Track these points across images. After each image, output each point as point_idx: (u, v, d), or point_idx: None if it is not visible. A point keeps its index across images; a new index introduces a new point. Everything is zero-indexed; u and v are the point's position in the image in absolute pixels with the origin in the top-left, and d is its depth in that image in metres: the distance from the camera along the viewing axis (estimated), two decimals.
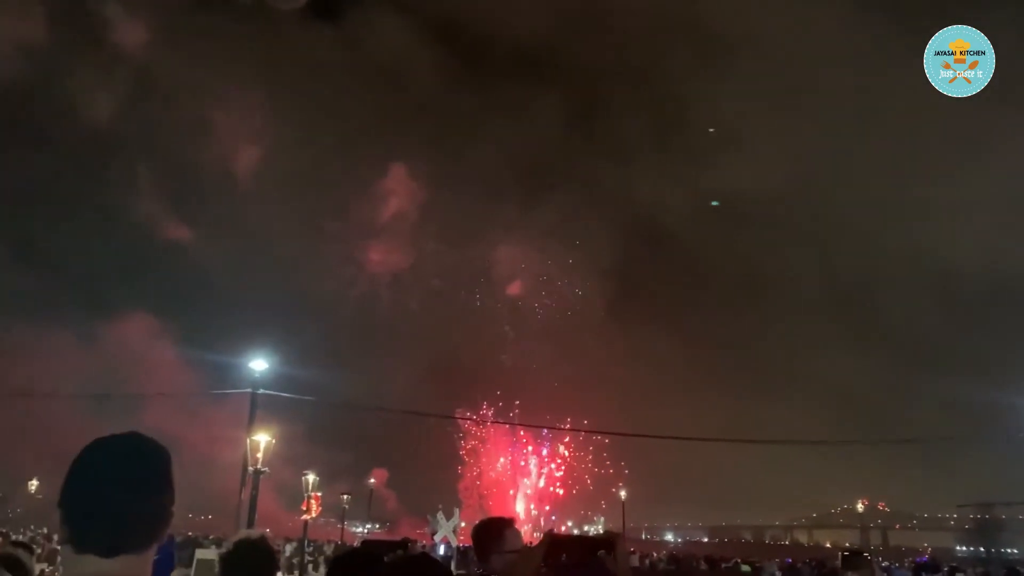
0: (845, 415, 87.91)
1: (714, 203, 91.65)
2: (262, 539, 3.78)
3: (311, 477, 24.22)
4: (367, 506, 63.97)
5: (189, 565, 19.11)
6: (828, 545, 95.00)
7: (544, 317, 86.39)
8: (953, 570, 27.99)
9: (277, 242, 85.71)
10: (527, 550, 2.65)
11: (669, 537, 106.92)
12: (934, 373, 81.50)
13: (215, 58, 79.90)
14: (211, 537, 36.10)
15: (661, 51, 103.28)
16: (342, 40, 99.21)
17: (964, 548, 77.73)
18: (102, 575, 1.77)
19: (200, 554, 20.21)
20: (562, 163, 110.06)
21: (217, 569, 3.73)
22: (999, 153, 76.17)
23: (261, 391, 24.60)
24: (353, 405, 63.00)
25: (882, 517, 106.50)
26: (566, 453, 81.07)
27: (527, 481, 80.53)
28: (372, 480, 65.18)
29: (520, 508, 78.99)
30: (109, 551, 1.78)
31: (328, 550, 39.11)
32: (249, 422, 23.55)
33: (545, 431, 78.72)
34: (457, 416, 75.44)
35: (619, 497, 61.60)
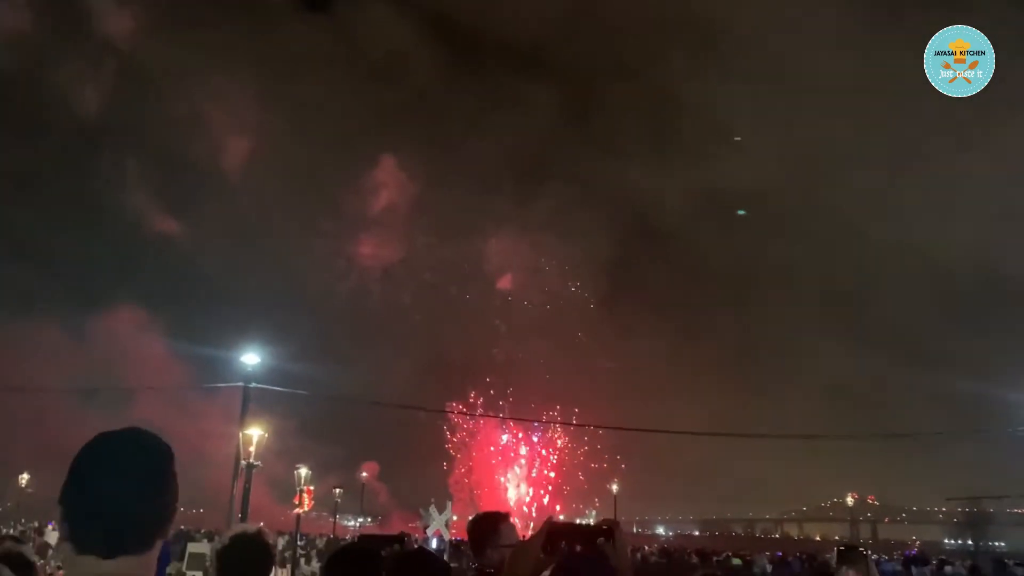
0: (836, 409, 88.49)
1: (740, 212, 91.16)
2: (259, 533, 3.75)
3: (303, 471, 24.17)
4: (358, 500, 64.07)
5: (181, 559, 19.19)
6: (818, 538, 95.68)
7: (536, 311, 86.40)
8: (942, 563, 28.23)
9: (268, 235, 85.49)
10: (526, 540, 2.65)
11: (660, 531, 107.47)
12: (925, 368, 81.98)
13: (206, 50, 79.37)
14: (203, 531, 36.10)
15: (657, 46, 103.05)
16: (335, 32, 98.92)
17: (952, 541, 78.45)
18: None
19: (192, 547, 20.32)
20: (556, 158, 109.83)
21: (213, 563, 3.70)
22: (995, 151, 76.54)
23: (253, 385, 24.59)
24: (345, 399, 62.76)
25: (872, 511, 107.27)
26: (559, 443, 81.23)
27: (518, 471, 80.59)
28: (364, 474, 65.23)
29: (512, 494, 79.15)
30: (109, 552, 1.75)
31: (320, 544, 39.17)
32: (241, 416, 23.53)
33: (536, 424, 78.98)
34: (448, 411, 75.50)
35: (611, 491, 61.84)
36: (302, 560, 28.51)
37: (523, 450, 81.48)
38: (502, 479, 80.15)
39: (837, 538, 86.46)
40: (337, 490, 46.95)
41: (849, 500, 79.37)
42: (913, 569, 27.20)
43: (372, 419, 66.28)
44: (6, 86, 70.93)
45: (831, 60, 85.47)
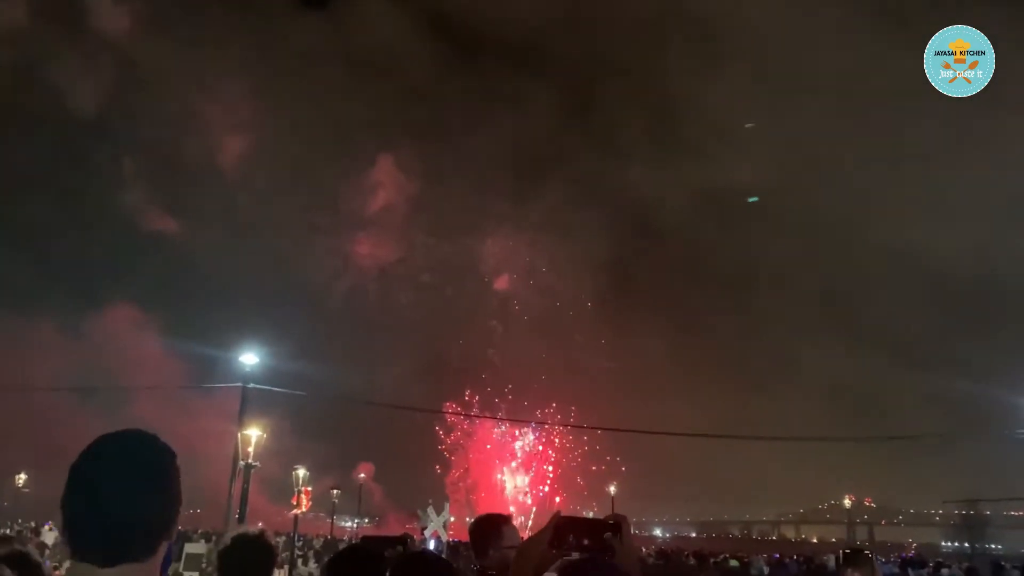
0: (834, 411, 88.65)
1: (752, 199, 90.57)
2: (261, 534, 3.72)
3: (301, 472, 24.15)
4: (355, 500, 63.93)
5: (178, 559, 19.16)
6: (815, 540, 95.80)
7: (534, 311, 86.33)
8: (938, 565, 28.27)
9: (265, 233, 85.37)
10: (534, 534, 2.66)
11: (658, 532, 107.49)
12: (922, 370, 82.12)
13: (203, 46, 79.27)
14: (199, 531, 36.02)
15: (656, 44, 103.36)
16: (332, 29, 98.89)
17: (949, 544, 78.60)
18: None
19: (189, 548, 20.29)
20: (554, 156, 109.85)
21: (215, 564, 3.67)
22: (993, 152, 76.75)
23: (252, 385, 24.54)
24: (343, 398, 62.78)
25: (868, 513, 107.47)
26: (556, 442, 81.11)
27: (514, 464, 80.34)
28: (362, 475, 65.13)
29: (509, 486, 78.99)
30: (107, 561, 1.69)
31: (317, 544, 39.12)
32: (240, 416, 23.48)
33: (533, 424, 78.86)
34: (445, 411, 75.37)
35: (608, 493, 61.85)
36: (299, 561, 28.45)
37: (519, 443, 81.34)
38: (499, 476, 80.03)
39: (834, 540, 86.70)
40: (335, 491, 46.83)
41: (846, 502, 79.59)
42: (910, 571, 27.28)
43: (367, 419, 66.27)
44: (1, 82, 70.81)
45: (830, 59, 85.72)
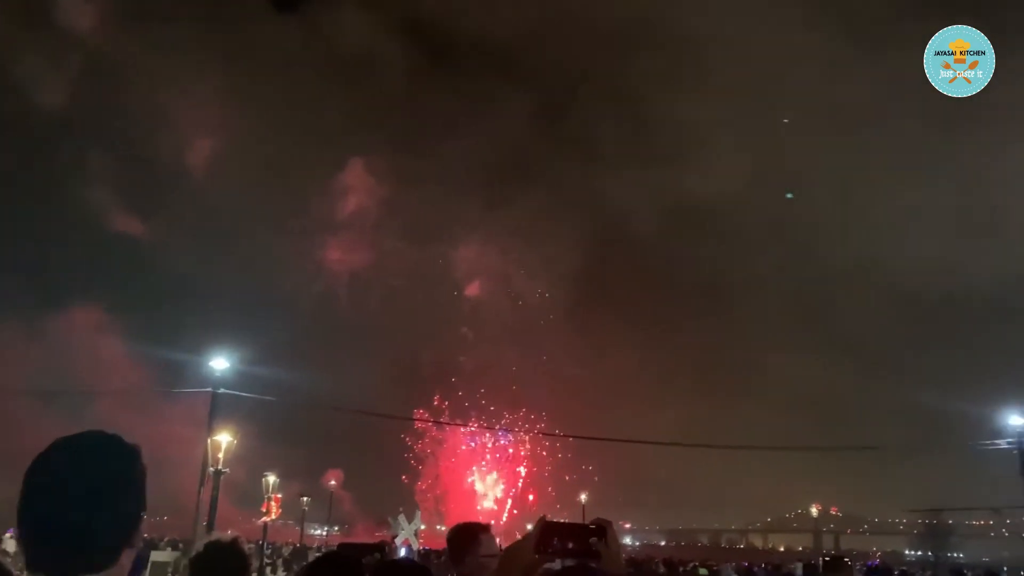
0: (800, 422, 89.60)
1: (788, 195, 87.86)
2: (235, 541, 3.64)
3: (271, 478, 23.85)
4: (324, 508, 63.21)
5: (144, 567, 18.80)
6: (782, 549, 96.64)
7: (505, 318, 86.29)
8: (903, 573, 28.70)
9: (237, 237, 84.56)
10: (519, 539, 2.64)
11: (627, 540, 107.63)
12: (888, 382, 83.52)
13: (173, 46, 78.83)
14: (166, 539, 35.44)
15: (632, 53, 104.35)
16: (306, 33, 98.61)
17: (913, 552, 79.58)
18: None
19: (155, 556, 19.98)
20: (528, 162, 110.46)
21: (185, 572, 3.60)
22: (958, 168, 78.34)
23: (222, 391, 24.20)
24: (314, 404, 62.15)
25: (834, 522, 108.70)
26: (527, 445, 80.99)
27: (484, 466, 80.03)
28: (332, 483, 64.41)
29: (480, 488, 78.68)
30: (65, 573, 1.58)
31: (286, 552, 38.65)
32: (210, 422, 23.15)
33: (501, 432, 78.67)
34: (415, 418, 74.89)
35: (579, 502, 61.84)
36: (268, 569, 28.08)
37: (490, 443, 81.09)
38: (470, 479, 79.67)
39: (801, 548, 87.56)
40: (304, 499, 46.31)
41: (813, 511, 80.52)
42: None
43: (336, 425, 65.61)
44: None
45: (801, 77, 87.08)
